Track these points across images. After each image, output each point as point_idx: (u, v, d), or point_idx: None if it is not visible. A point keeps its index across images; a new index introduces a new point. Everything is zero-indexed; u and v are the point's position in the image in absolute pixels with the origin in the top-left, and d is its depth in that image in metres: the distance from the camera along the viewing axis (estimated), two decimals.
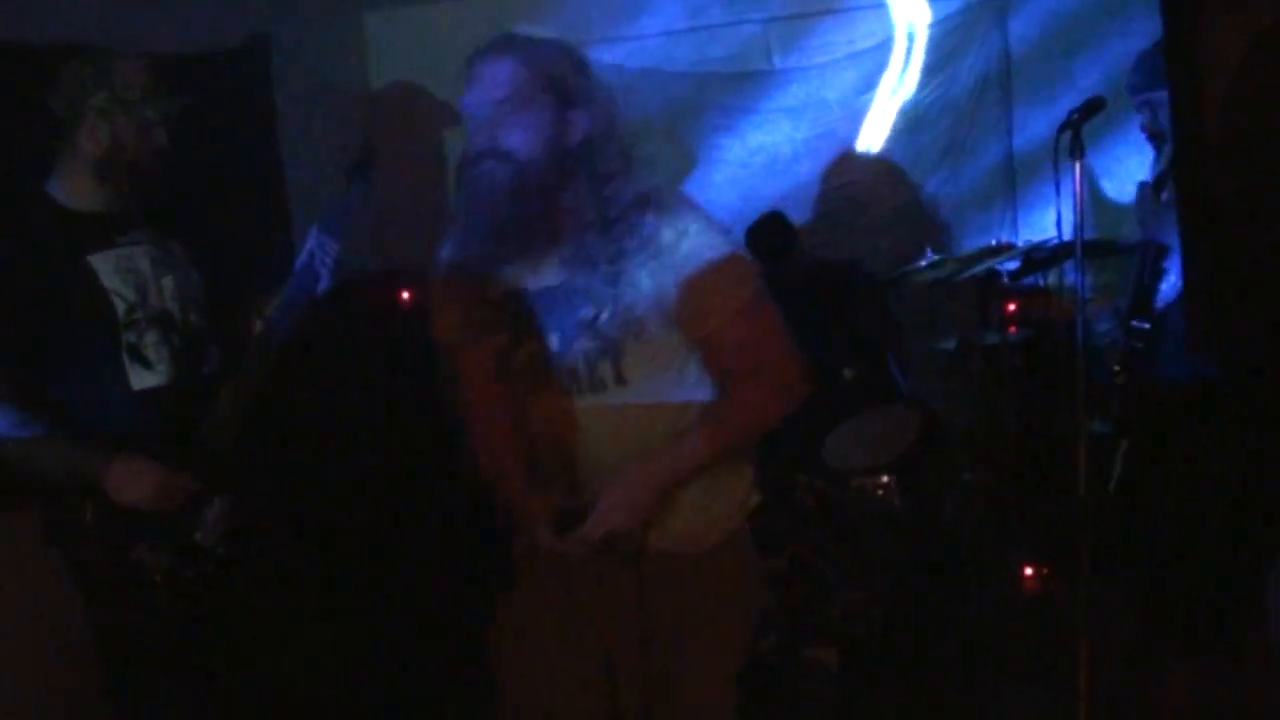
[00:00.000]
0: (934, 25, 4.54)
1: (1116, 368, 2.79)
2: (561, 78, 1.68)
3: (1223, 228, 1.82)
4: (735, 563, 1.92)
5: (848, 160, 4.66)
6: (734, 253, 1.75)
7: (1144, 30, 4.08)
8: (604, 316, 1.70)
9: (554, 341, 1.76)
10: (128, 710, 2.19)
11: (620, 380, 1.74)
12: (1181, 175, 2.09)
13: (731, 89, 4.72)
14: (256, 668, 2.28)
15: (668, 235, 1.69)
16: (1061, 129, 2.39)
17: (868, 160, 4.66)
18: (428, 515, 3.66)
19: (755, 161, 4.76)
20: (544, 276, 1.77)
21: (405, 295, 3.84)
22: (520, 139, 1.65)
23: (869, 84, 4.61)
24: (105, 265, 2.12)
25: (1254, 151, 1.78)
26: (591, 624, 1.87)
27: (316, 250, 2.18)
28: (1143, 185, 3.82)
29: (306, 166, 3.89)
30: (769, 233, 4.03)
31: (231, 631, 2.23)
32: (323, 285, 2.18)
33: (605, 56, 4.73)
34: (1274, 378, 2.12)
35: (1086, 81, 4.16)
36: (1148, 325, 2.74)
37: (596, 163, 1.69)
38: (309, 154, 3.93)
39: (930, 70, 4.57)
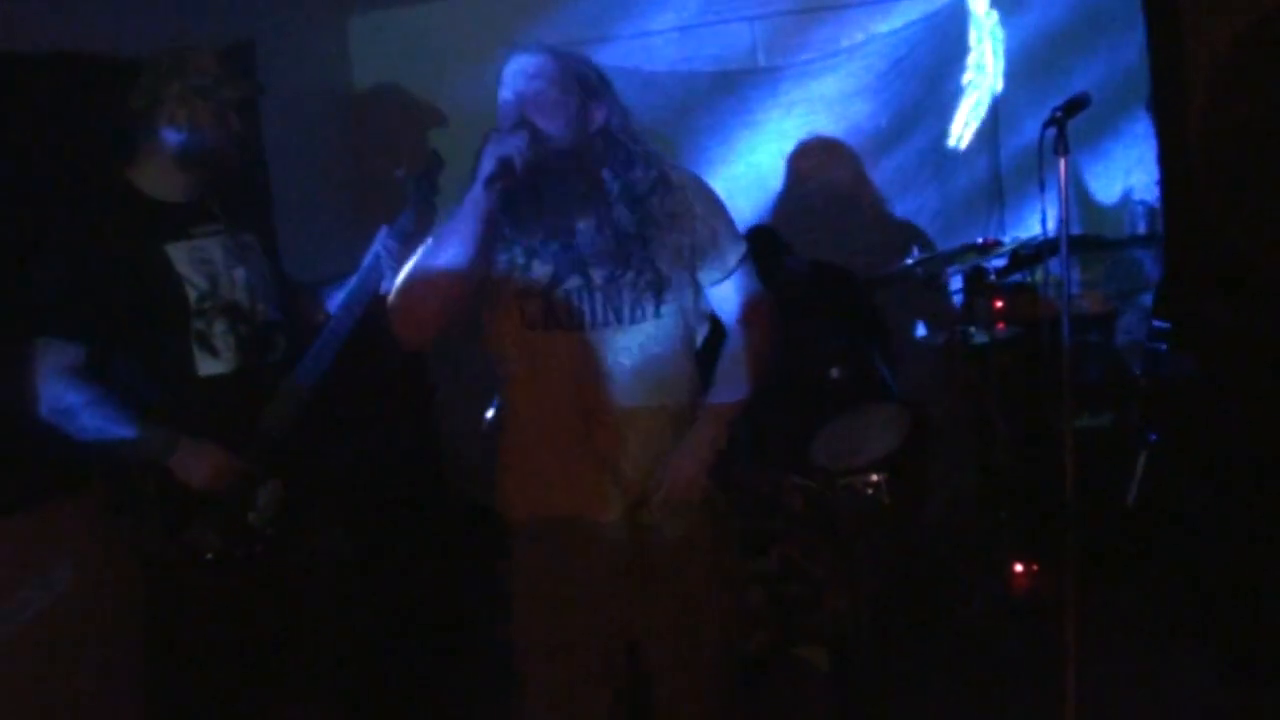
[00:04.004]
0: (920, 23, 4.55)
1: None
2: (585, 75, 2.03)
3: (1205, 227, 1.83)
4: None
5: (832, 156, 4.66)
6: (737, 228, 2.17)
7: (1129, 30, 4.11)
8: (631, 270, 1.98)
9: (598, 277, 1.98)
10: (169, 683, 2.26)
11: (658, 314, 2.01)
12: (1166, 176, 2.09)
13: (718, 88, 4.72)
14: (297, 648, 2.36)
15: (683, 208, 2.05)
16: (1046, 125, 2.38)
17: (854, 157, 4.67)
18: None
19: (741, 160, 4.76)
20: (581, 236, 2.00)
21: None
22: (550, 121, 1.93)
23: (856, 82, 4.62)
24: (180, 254, 2.21)
25: (1237, 149, 1.79)
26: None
27: (383, 251, 2.32)
28: None
29: (290, 171, 3.88)
30: (757, 248, 3.95)
31: (276, 611, 2.31)
32: (386, 285, 2.26)
33: (591, 57, 4.72)
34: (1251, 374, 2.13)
35: (1074, 79, 4.17)
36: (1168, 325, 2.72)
37: (616, 148, 2.00)
38: (293, 158, 3.92)
39: (917, 68, 4.57)
